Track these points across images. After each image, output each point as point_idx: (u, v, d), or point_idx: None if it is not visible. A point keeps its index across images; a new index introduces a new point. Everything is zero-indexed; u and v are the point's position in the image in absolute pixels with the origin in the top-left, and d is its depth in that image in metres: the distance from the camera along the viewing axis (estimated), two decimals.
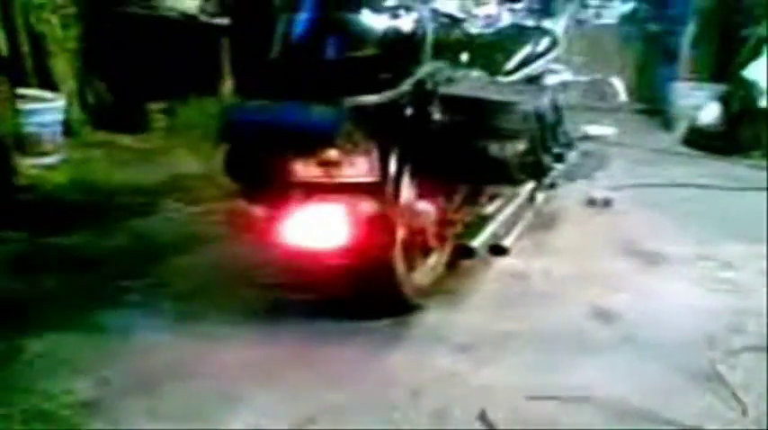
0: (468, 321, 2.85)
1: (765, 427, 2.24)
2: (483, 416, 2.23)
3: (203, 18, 5.07)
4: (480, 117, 2.59)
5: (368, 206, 2.52)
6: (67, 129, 4.70)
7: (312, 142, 2.43)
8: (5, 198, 3.87)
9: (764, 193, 4.34)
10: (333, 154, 2.44)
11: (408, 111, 2.61)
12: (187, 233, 3.58)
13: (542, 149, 2.72)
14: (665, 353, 2.64)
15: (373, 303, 2.76)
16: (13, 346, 2.57)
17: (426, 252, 2.92)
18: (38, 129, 4.40)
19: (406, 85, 2.60)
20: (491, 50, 3.49)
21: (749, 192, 4.53)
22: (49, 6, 4.83)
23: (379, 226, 2.54)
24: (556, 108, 3.19)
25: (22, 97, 4.40)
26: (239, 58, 4.57)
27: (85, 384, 2.39)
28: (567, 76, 3.90)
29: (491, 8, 3.82)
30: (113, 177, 4.24)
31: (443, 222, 2.86)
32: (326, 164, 2.47)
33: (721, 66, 5.99)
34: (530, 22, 3.93)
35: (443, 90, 2.62)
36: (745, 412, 2.29)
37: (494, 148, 2.55)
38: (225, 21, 4.98)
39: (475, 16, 3.60)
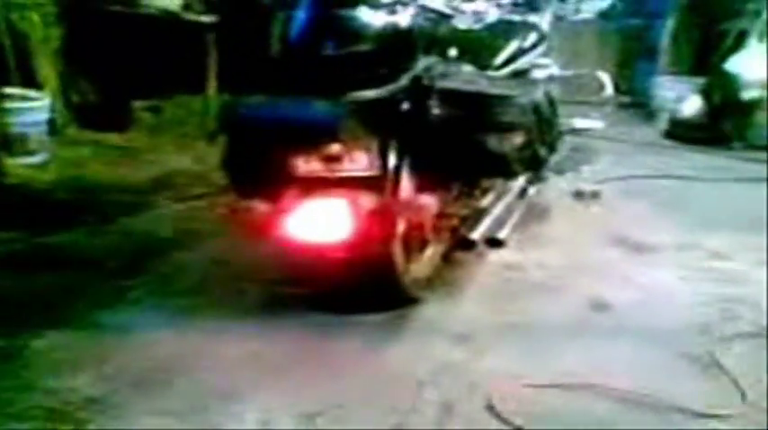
0: (467, 312, 2.88)
1: (765, 410, 2.29)
2: (490, 407, 2.26)
3: (188, 16, 5.05)
4: (479, 111, 2.62)
5: (369, 200, 2.54)
6: (53, 127, 4.67)
7: (315, 137, 2.45)
8: None
9: (746, 184, 4.43)
10: (335, 148, 2.46)
11: (407, 106, 2.63)
12: (181, 229, 3.58)
13: (539, 142, 2.77)
14: (661, 340, 2.69)
15: (373, 296, 2.78)
16: (16, 345, 2.57)
17: (423, 245, 2.95)
18: (24, 129, 4.37)
19: (404, 80, 2.62)
20: (480, 46, 3.53)
21: (731, 183, 4.62)
22: (30, 4, 4.79)
23: (380, 219, 2.56)
24: (550, 101, 3.24)
25: (7, 96, 4.37)
26: (229, 55, 4.57)
27: (89, 381, 2.39)
28: (554, 70, 3.94)
29: (479, 4, 3.86)
30: (102, 175, 4.23)
31: (440, 215, 2.89)
32: (328, 158, 2.49)
33: (701, 59, 6.07)
34: (516, 18, 3.97)
35: (441, 84, 2.65)
36: (744, 397, 2.34)
37: (493, 142, 2.58)
38: (209, 18, 4.96)
39: (462, 12, 3.63)
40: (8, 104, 4.30)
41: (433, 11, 3.20)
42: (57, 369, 2.45)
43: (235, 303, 2.89)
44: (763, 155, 5.15)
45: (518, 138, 2.63)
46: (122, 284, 3.03)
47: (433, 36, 2.99)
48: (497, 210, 3.02)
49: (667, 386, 2.39)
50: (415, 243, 2.87)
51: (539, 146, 2.77)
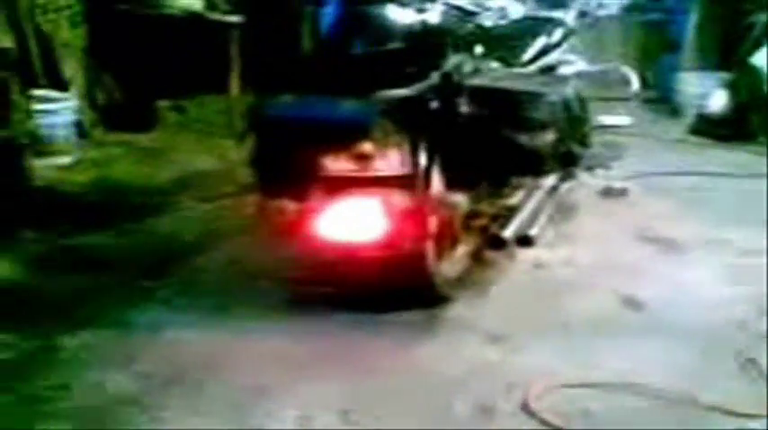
0: (499, 311, 2.87)
1: None
2: (525, 406, 2.25)
3: (212, 16, 5.06)
4: (510, 108, 2.61)
5: (401, 199, 2.54)
6: (81, 129, 4.69)
7: (347, 136, 2.45)
8: (22, 199, 3.86)
9: None
10: (367, 147, 2.45)
11: (437, 104, 2.62)
12: (208, 229, 3.59)
13: (571, 139, 2.75)
14: (697, 338, 2.66)
15: (405, 295, 2.77)
16: (50, 345, 2.59)
17: (454, 243, 2.94)
18: (51, 130, 4.41)
19: (434, 78, 2.61)
20: (506, 42, 3.51)
21: (759, 179, 4.56)
22: (54, 6, 4.82)
23: (412, 218, 2.56)
24: (580, 97, 3.22)
25: (34, 98, 4.39)
26: (256, 54, 4.57)
27: (124, 379, 2.40)
28: (581, 65, 3.92)
29: (503, 1, 3.84)
30: (129, 176, 4.25)
31: (471, 213, 2.87)
32: (359, 157, 2.49)
33: (725, 53, 6.01)
34: (541, 14, 3.95)
35: (471, 82, 2.64)
36: None
37: (525, 139, 2.57)
38: (234, 18, 4.97)
39: (487, 9, 3.62)
40: (35, 106, 4.32)
41: (459, 8, 3.20)
42: (91, 367, 2.47)
43: (265, 303, 2.89)
44: None
45: (550, 135, 2.62)
46: (151, 285, 3.05)
47: (459, 33, 2.98)
48: (527, 209, 3.00)
49: (704, 384, 2.36)
50: (446, 242, 2.86)
51: (571, 142, 2.75)
